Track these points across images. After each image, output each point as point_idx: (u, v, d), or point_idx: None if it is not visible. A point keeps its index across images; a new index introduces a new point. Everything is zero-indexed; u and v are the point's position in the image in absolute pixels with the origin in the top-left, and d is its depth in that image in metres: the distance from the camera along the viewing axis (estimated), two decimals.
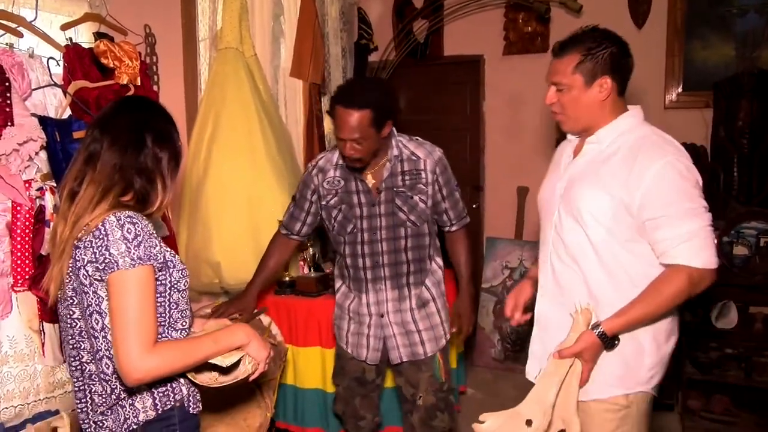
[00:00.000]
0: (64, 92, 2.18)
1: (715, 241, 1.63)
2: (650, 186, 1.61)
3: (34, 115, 1.99)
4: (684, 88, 3.85)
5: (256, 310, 2.27)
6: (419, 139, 2.29)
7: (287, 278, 3.04)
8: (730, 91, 3.45)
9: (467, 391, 3.61)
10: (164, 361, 1.36)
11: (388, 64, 4.42)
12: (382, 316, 2.26)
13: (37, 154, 1.96)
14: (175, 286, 1.47)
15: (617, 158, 1.68)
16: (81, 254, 1.38)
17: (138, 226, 1.37)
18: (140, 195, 1.45)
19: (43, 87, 2.10)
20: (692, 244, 1.59)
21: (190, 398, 1.50)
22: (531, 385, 1.72)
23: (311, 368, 2.87)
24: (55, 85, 2.15)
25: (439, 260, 2.36)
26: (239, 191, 2.82)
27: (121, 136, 1.44)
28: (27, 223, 1.95)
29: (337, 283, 2.40)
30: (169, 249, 1.46)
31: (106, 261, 1.34)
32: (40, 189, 1.99)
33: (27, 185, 1.96)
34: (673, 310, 1.71)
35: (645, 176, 1.61)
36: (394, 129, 2.22)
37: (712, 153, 3.58)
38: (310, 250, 3.11)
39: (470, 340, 3.96)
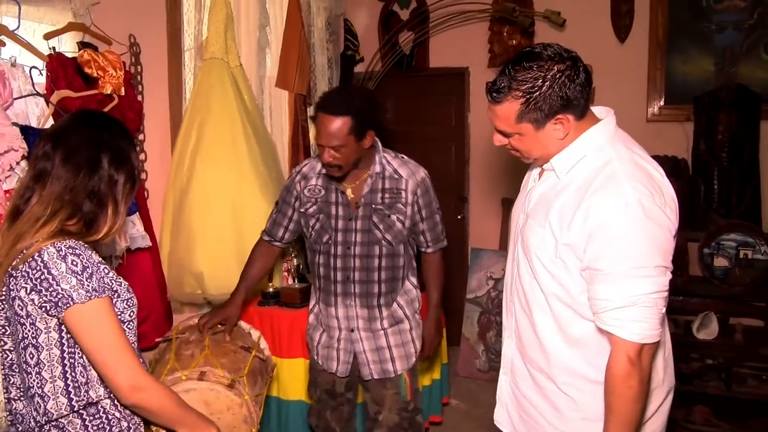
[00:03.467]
0: (47, 102, 2.16)
1: (663, 310, 1.36)
2: (595, 230, 1.34)
3: (15, 124, 1.97)
4: (666, 101, 3.91)
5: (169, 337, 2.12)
6: (405, 157, 2.25)
7: (271, 289, 3.03)
8: (710, 104, 3.51)
9: (451, 401, 3.61)
10: (157, 390, 1.36)
11: (374, 75, 4.44)
12: (352, 330, 2.23)
13: (18, 163, 1.94)
14: (120, 317, 1.38)
15: (569, 192, 1.42)
16: (15, 283, 1.29)
17: (83, 258, 1.29)
18: (87, 220, 1.34)
19: (26, 96, 2.08)
20: (629, 312, 1.32)
21: (131, 431, 1.41)
22: None
23: (295, 380, 2.86)
24: (38, 94, 2.13)
25: (414, 279, 2.33)
26: (223, 201, 2.81)
27: (74, 154, 1.33)
28: None
29: (313, 294, 2.38)
30: (116, 277, 1.38)
31: (58, 296, 1.26)
32: None
33: (7, 195, 1.93)
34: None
35: (590, 219, 1.35)
36: (379, 144, 2.20)
37: (693, 166, 3.63)
38: (294, 261, 3.11)
39: (454, 350, 3.96)
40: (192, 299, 2.90)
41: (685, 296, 3.45)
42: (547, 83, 1.36)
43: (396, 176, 2.17)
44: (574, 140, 1.44)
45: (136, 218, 2.54)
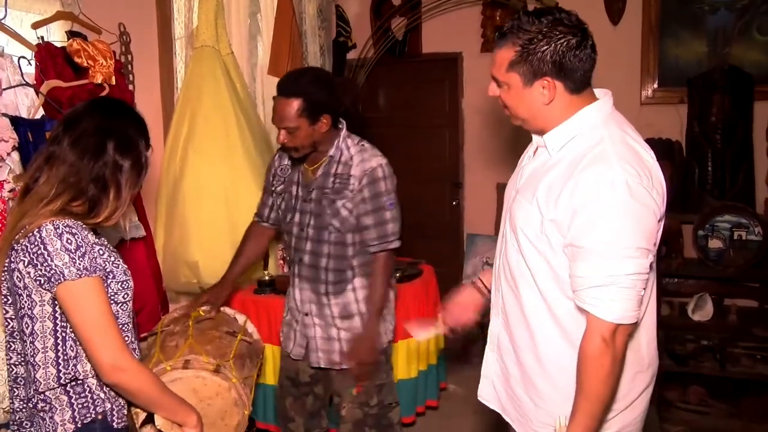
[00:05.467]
0: (37, 92, 2.14)
1: (642, 293, 1.35)
2: (579, 207, 1.33)
3: (5, 115, 1.95)
4: (659, 84, 3.90)
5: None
6: (366, 144, 2.18)
7: (267, 277, 3.03)
8: (703, 87, 3.51)
9: (448, 387, 3.63)
10: (138, 372, 1.40)
11: (367, 62, 4.42)
12: (306, 314, 2.22)
13: (8, 154, 1.93)
14: (113, 298, 1.43)
15: (559, 169, 1.41)
16: (15, 256, 1.36)
17: (78, 237, 1.35)
18: (90, 203, 1.40)
19: (15, 87, 2.06)
20: (607, 291, 1.31)
21: (114, 412, 1.46)
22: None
23: None
24: (27, 84, 2.11)
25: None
26: (216, 190, 2.80)
27: (81, 138, 1.39)
28: None
29: None
30: (113, 258, 1.44)
31: (51, 272, 1.32)
32: (12, 190, 1.96)
33: None
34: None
35: (576, 196, 1.34)
36: (343, 129, 2.17)
37: (687, 148, 3.64)
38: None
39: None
40: (187, 289, 2.90)
41: (680, 278, 3.47)
42: (545, 41, 1.36)
43: (349, 162, 2.13)
44: (566, 117, 1.43)
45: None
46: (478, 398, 1.74)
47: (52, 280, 1.33)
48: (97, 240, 1.41)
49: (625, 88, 3.87)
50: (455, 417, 3.41)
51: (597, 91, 1.50)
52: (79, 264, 1.33)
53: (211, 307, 2.16)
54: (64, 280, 1.32)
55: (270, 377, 2.92)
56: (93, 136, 1.40)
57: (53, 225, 1.33)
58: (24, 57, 2.15)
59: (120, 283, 1.44)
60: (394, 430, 2.33)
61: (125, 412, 1.49)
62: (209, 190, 2.79)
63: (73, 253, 1.33)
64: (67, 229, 1.34)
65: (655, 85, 3.91)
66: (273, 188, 2.29)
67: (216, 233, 2.74)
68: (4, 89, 2.02)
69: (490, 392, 1.71)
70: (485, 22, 4.29)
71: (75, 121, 1.42)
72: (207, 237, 2.75)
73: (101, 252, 1.40)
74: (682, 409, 3.32)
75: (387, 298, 2.21)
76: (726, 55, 3.70)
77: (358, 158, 2.13)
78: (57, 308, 1.37)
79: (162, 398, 1.46)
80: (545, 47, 1.36)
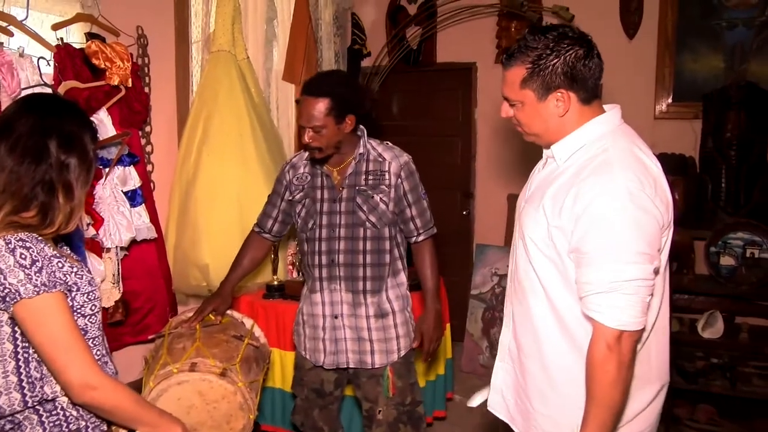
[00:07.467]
0: (55, 92, 2.17)
1: (648, 299, 1.36)
2: (581, 213, 1.35)
3: None
4: (674, 98, 3.88)
5: None
6: (389, 143, 2.27)
7: (276, 282, 3.04)
8: (718, 102, 3.48)
9: (455, 397, 3.61)
10: (111, 389, 1.31)
11: (381, 70, 4.43)
12: (336, 317, 2.21)
13: None
14: (79, 311, 1.34)
15: (564, 178, 1.44)
16: None
17: (33, 251, 1.25)
18: (42, 212, 1.29)
19: (33, 87, 2.09)
20: (611, 298, 1.32)
21: (89, 430, 1.37)
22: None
23: None
24: (45, 85, 2.14)
25: (404, 275, 2.30)
26: (229, 194, 2.81)
27: (19, 142, 1.27)
28: None
29: (302, 288, 2.37)
30: (76, 269, 1.34)
31: (5, 291, 1.22)
32: None
33: None
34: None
35: (579, 202, 1.36)
36: (364, 131, 2.23)
37: (700, 164, 3.60)
38: (299, 254, 3.11)
39: (458, 346, 3.96)
40: (197, 291, 2.90)
41: (690, 295, 3.44)
42: (554, 53, 1.40)
43: (380, 159, 2.19)
44: (576, 128, 1.46)
45: (142, 210, 2.55)
46: (488, 408, 1.74)
47: (7, 299, 1.23)
48: (55, 252, 1.31)
49: (639, 103, 3.85)
50: (462, 427, 3.39)
51: (606, 106, 1.52)
52: (36, 280, 1.23)
53: (215, 315, 2.17)
54: (20, 298, 1.22)
55: (277, 381, 2.93)
56: (31, 138, 1.28)
57: (4, 240, 1.23)
58: (43, 58, 2.18)
59: (86, 295, 1.35)
60: (423, 422, 2.37)
61: (103, 428, 1.41)
62: (222, 193, 2.81)
63: (28, 268, 1.23)
64: (20, 243, 1.24)
65: (670, 100, 3.89)
66: (290, 198, 2.27)
67: (227, 237, 2.75)
68: (23, 89, 2.05)
69: (498, 401, 1.71)
70: (500, 33, 4.29)
71: (9, 124, 1.29)
72: (218, 240, 2.76)
73: (60, 265, 1.30)
74: (691, 427, 3.28)
75: (439, 277, 2.30)
76: (743, 72, 3.67)
77: (389, 154, 2.20)
78: (17, 328, 1.28)
79: (140, 413, 1.37)
80: (555, 60, 1.40)
